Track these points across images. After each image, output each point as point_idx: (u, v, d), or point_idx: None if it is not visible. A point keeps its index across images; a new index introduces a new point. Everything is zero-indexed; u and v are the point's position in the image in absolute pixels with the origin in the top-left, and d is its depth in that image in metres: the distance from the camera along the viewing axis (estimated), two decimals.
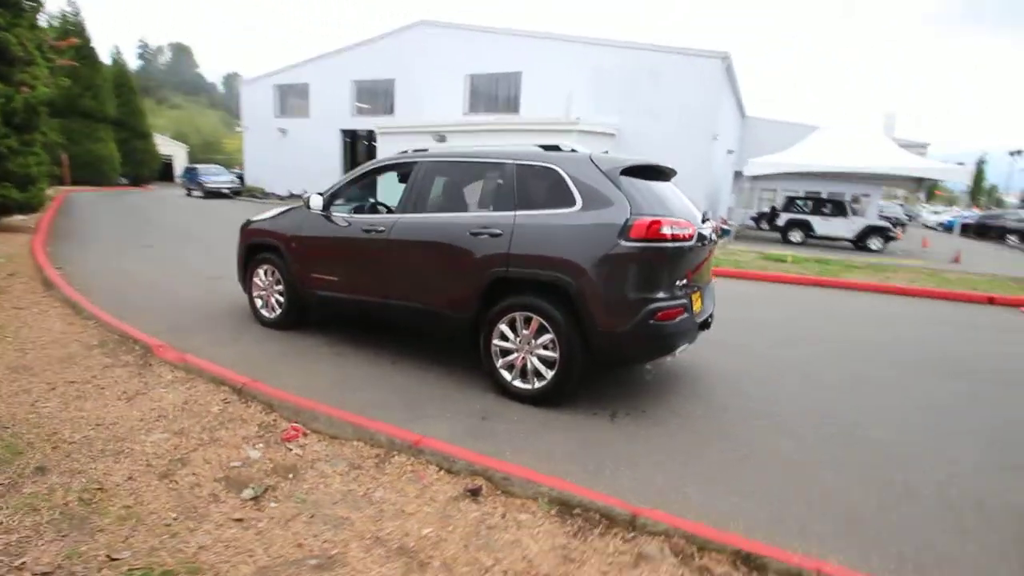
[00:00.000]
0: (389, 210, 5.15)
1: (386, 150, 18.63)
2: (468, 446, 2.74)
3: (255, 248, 4.97)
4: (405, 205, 4.03)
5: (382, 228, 4.02)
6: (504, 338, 3.54)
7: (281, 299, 4.80)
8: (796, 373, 4.32)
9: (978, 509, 2.48)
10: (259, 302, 5.01)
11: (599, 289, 3.18)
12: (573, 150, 3.63)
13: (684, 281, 3.38)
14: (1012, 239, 23.91)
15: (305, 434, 2.84)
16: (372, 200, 5.09)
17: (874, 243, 16.44)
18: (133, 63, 60.06)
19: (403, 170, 4.55)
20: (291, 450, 2.69)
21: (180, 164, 39.03)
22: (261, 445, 2.73)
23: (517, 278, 3.43)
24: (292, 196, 24.26)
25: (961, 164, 23.70)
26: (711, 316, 3.89)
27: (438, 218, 3.84)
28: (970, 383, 4.28)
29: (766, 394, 3.81)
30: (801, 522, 2.30)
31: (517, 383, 3.52)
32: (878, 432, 3.28)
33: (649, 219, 3.14)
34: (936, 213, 38.95)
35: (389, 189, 5.02)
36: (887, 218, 24.25)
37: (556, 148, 3.69)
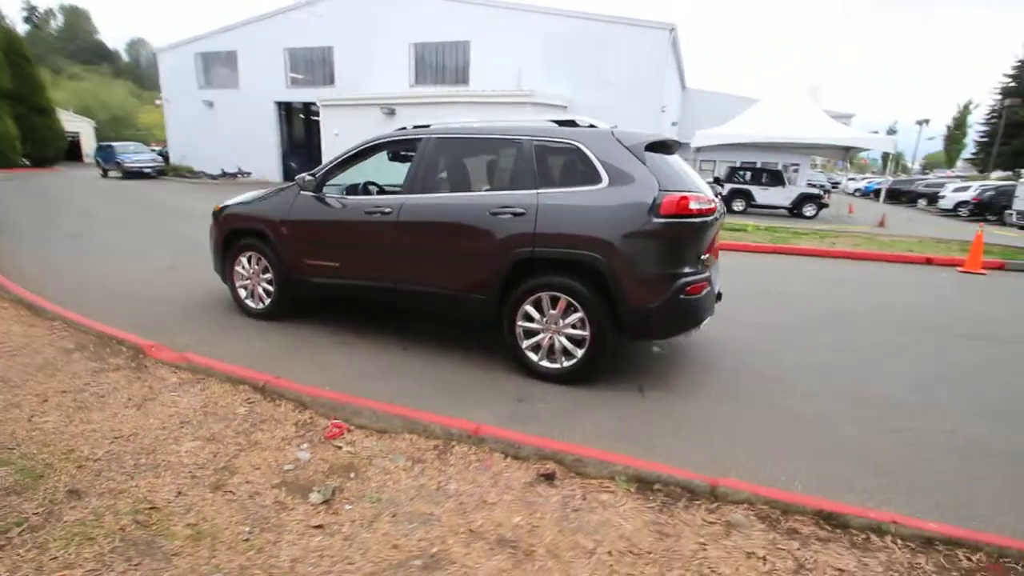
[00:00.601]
0: (382, 190, 4.95)
1: (331, 124, 17.72)
2: (519, 429, 2.72)
3: (235, 234, 4.62)
4: (412, 185, 3.85)
5: (388, 210, 3.83)
6: (529, 319, 3.51)
7: (270, 288, 4.51)
8: (796, 339, 4.57)
9: (984, 454, 2.75)
10: (243, 292, 4.68)
11: (631, 266, 3.20)
12: (592, 125, 3.58)
13: (707, 255, 3.46)
14: (922, 202, 26.25)
15: (349, 430, 2.72)
16: (363, 180, 4.82)
17: (808, 210, 17.51)
18: (20, 28, 53.19)
19: (403, 148, 4.35)
20: (340, 448, 2.57)
21: (88, 142, 35.42)
22: (306, 445, 2.58)
23: (544, 258, 3.38)
24: (225, 175, 22.66)
25: (875, 133, 25.45)
26: (719, 289, 4.02)
27: (452, 198, 3.71)
28: (945, 337, 4.71)
29: (771, 360, 4.01)
30: (846, 478, 2.47)
31: (544, 363, 3.51)
32: (883, 389, 3.55)
33: (678, 195, 3.17)
34: (853, 180, 42.01)
35: (378, 168, 4.78)
36: (815, 186, 25.94)
37: (572, 123, 3.63)
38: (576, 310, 3.36)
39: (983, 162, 43.77)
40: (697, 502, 2.19)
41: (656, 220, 3.16)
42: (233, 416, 2.81)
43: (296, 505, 2.13)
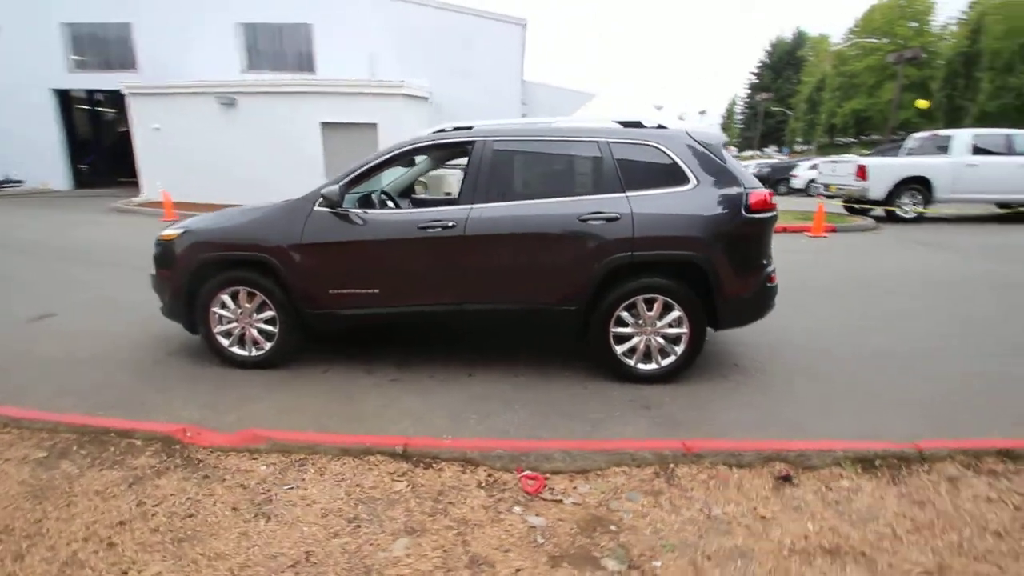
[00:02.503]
0: (394, 201, 4.33)
1: (146, 116, 14.64)
2: (676, 436, 2.71)
3: (210, 267, 3.63)
4: (473, 194, 3.45)
5: (451, 223, 3.38)
6: (621, 323, 3.45)
7: (270, 328, 3.66)
8: (798, 312, 5.22)
9: (997, 385, 3.53)
10: (225, 340, 3.72)
11: (729, 262, 3.34)
12: (661, 126, 3.60)
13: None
14: None
15: (547, 478, 2.40)
16: (378, 190, 4.14)
17: None
18: None
19: (447, 152, 3.86)
20: (560, 501, 2.26)
21: None
22: (519, 509, 2.21)
23: (643, 262, 3.34)
24: None
25: (682, 120, 29.45)
26: None
27: (531, 206, 3.42)
28: (897, 295, 5.83)
29: (785, 335, 4.54)
30: (951, 422, 2.97)
31: (642, 366, 3.49)
32: (884, 341, 4.27)
33: (762, 191, 3.40)
34: None
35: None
36: None
37: (639, 124, 3.60)
38: (673, 309, 3.40)
39: (743, 145, 54.32)
40: (912, 467, 2.44)
41: (747, 216, 3.34)
42: (400, 496, 2.26)
43: None
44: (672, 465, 2.46)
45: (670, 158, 3.40)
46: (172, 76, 15.80)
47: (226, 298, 3.65)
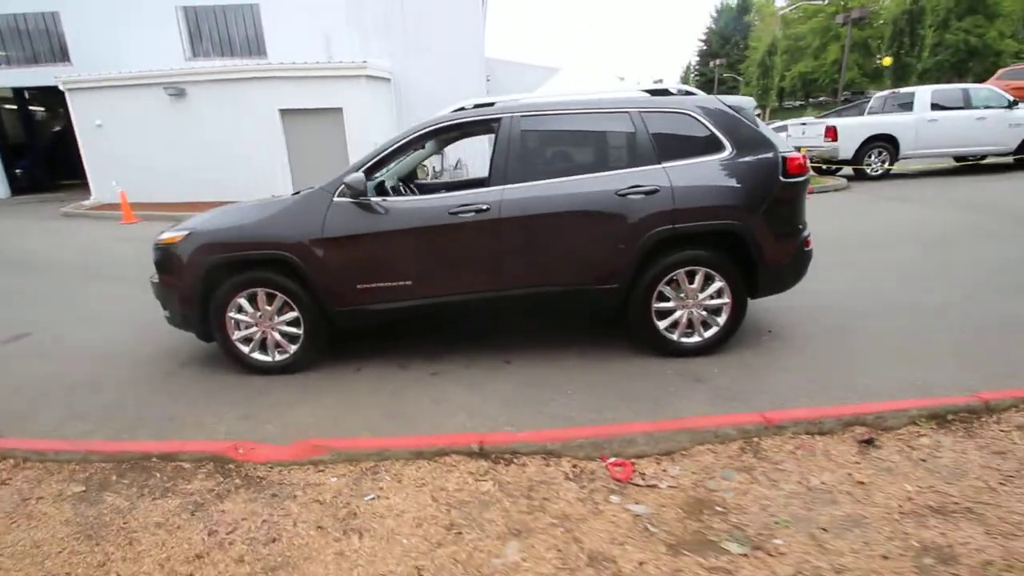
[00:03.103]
0: (409, 188, 4.11)
1: (87, 112, 13.58)
2: (737, 409, 2.70)
3: (224, 269, 3.36)
4: (504, 174, 3.29)
5: (484, 206, 3.22)
6: (662, 298, 3.40)
7: (294, 330, 3.45)
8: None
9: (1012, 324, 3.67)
10: (245, 347, 3.49)
11: (769, 228, 3.31)
12: (688, 92, 3.50)
13: None
14: None
15: (634, 463, 2.33)
16: (381, 178, 3.89)
17: None
18: None
19: (470, 131, 3.66)
20: (656, 486, 2.20)
21: None
22: (617, 498, 2.14)
23: (684, 234, 3.27)
24: None
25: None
26: None
27: (566, 183, 3.28)
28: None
29: (805, 298, 4.56)
30: (996, 368, 3.06)
31: (684, 340, 3.46)
32: (906, 295, 4.38)
33: (797, 154, 3.37)
34: None
35: None
36: None
37: (666, 92, 3.50)
38: (712, 280, 3.36)
39: None
40: (982, 419, 2.50)
41: (784, 180, 3.31)
42: (491, 497, 2.15)
43: (731, 565, 1.79)
44: (756, 439, 2.43)
45: (704, 126, 3.32)
46: (109, 67, 14.63)
47: (243, 301, 3.40)
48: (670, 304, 3.40)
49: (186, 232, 3.41)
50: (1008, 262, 5.12)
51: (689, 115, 3.33)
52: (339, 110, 13.44)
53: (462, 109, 3.51)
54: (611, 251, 3.29)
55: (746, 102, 3.48)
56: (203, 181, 13.26)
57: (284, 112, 13.52)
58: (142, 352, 4.00)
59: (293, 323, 3.45)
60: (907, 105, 11.54)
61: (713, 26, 59.85)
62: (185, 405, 3.14)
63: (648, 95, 3.46)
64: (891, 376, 3.01)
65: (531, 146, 3.35)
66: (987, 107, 11.06)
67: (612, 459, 2.35)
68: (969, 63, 33.67)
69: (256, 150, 13.35)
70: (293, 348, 3.49)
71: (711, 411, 2.74)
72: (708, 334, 3.46)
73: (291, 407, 3.04)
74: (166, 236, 3.49)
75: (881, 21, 38.56)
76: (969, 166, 12.44)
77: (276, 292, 3.37)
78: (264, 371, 3.51)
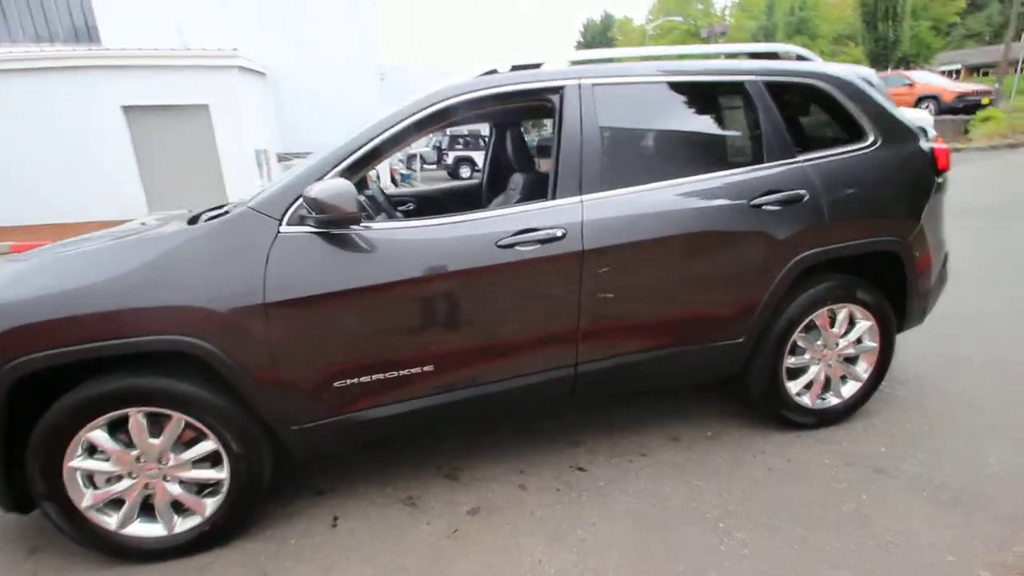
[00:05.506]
0: (404, 199, 2.63)
1: None
2: (991, 525, 1.76)
3: (59, 377, 1.68)
4: (578, 178, 2.00)
5: (559, 232, 1.92)
6: (796, 351, 2.36)
7: (212, 474, 1.86)
8: None
9: None
10: (108, 516, 1.83)
11: (923, 241, 2.41)
12: (801, 56, 2.48)
13: None
14: None
15: None
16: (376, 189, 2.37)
17: None
18: None
19: (499, 107, 2.32)
20: None
21: None
22: None
23: (835, 258, 2.25)
24: None
25: None
26: None
27: (672, 190, 2.08)
28: None
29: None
30: None
31: (820, 405, 2.45)
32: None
33: (943, 144, 2.51)
34: None
35: None
36: None
37: (774, 56, 2.45)
38: (859, 320, 2.40)
39: None
40: None
41: (938, 180, 2.44)
42: None
43: None
44: None
45: (841, 105, 2.33)
46: None
47: (99, 436, 1.72)
48: (806, 358, 2.37)
49: None
50: None
51: (823, 89, 2.31)
52: (204, 107, 10.91)
53: (493, 72, 2.13)
54: (741, 289, 2.17)
55: (871, 74, 2.56)
56: (19, 196, 9.98)
57: (129, 109, 10.69)
58: None
59: (211, 460, 1.84)
60: None
61: (581, 40, 62.52)
62: None
63: (757, 61, 2.39)
64: None
65: (616, 134, 2.10)
66: None
67: None
68: None
69: (88, 160, 10.36)
70: (210, 505, 1.88)
71: (949, 526, 1.75)
72: (848, 394, 2.48)
73: None
74: None
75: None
76: None
77: (171, 412, 1.74)
78: (151, 556, 1.85)
